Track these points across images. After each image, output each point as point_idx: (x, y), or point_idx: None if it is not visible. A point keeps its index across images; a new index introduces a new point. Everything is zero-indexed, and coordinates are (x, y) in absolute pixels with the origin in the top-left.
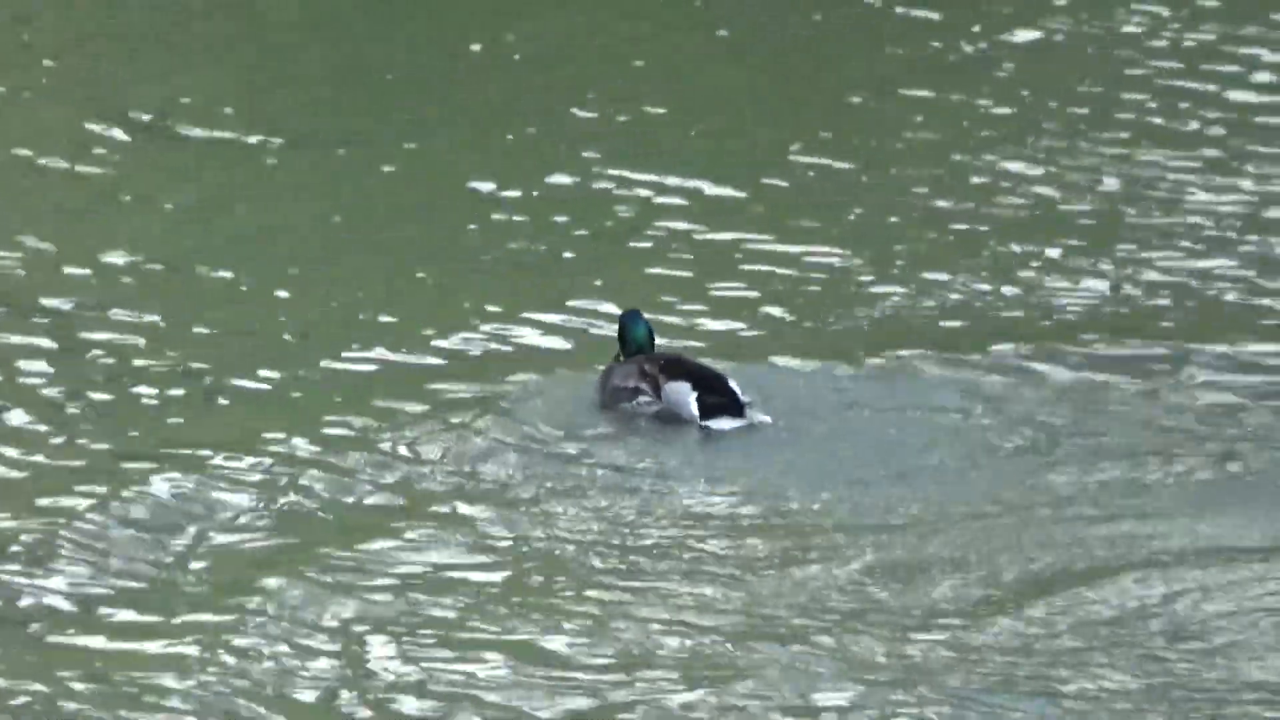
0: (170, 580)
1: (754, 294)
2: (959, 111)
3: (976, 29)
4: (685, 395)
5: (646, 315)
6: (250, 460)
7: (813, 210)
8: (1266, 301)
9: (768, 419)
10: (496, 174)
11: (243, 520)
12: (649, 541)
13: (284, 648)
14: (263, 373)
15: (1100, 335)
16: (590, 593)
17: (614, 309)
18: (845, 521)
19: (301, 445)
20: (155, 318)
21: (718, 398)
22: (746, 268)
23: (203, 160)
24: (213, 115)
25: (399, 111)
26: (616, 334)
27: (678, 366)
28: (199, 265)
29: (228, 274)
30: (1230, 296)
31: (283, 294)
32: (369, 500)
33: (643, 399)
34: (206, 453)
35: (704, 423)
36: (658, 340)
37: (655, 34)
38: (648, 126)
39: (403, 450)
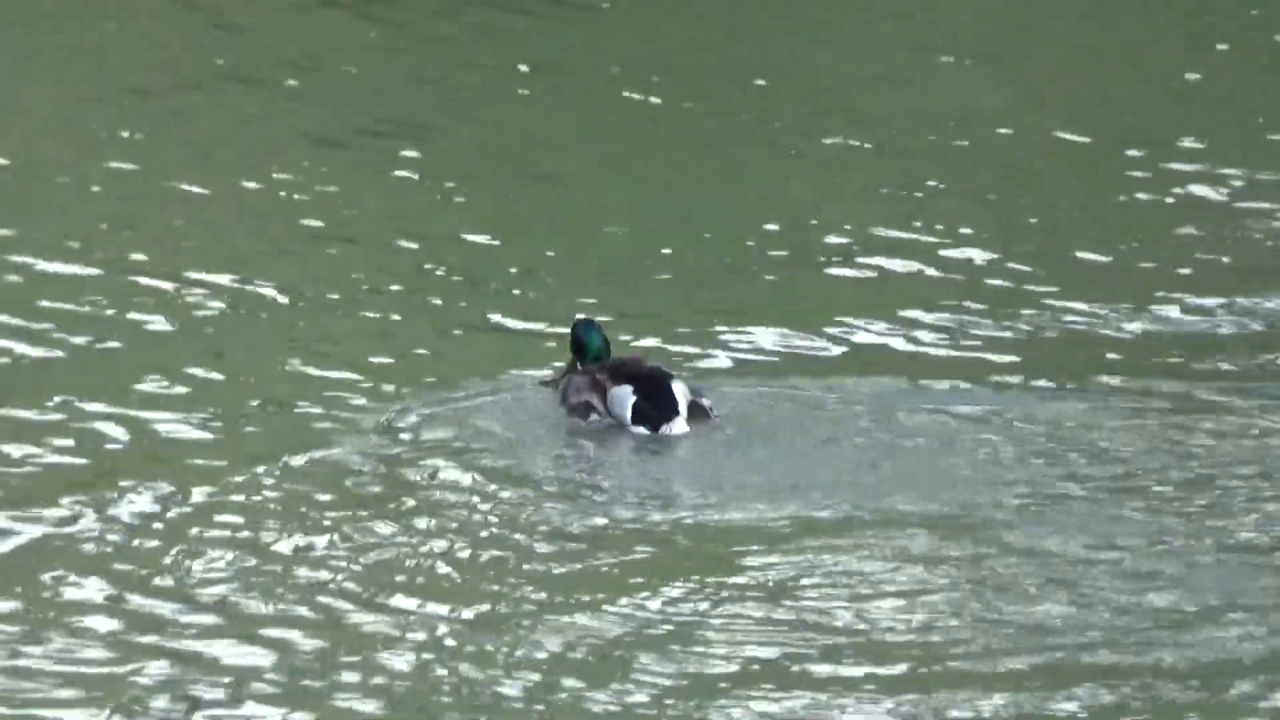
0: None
1: (742, 310)
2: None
3: None
4: (625, 400)
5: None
6: (200, 469)
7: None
8: None
9: (685, 429)
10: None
11: (155, 537)
12: (584, 546)
13: (226, 649)
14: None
15: (1125, 365)
16: (531, 596)
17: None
18: (781, 529)
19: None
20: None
21: (653, 403)
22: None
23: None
24: None
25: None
26: (570, 344)
27: (624, 370)
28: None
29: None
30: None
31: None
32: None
33: (594, 418)
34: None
35: (634, 428)
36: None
37: None
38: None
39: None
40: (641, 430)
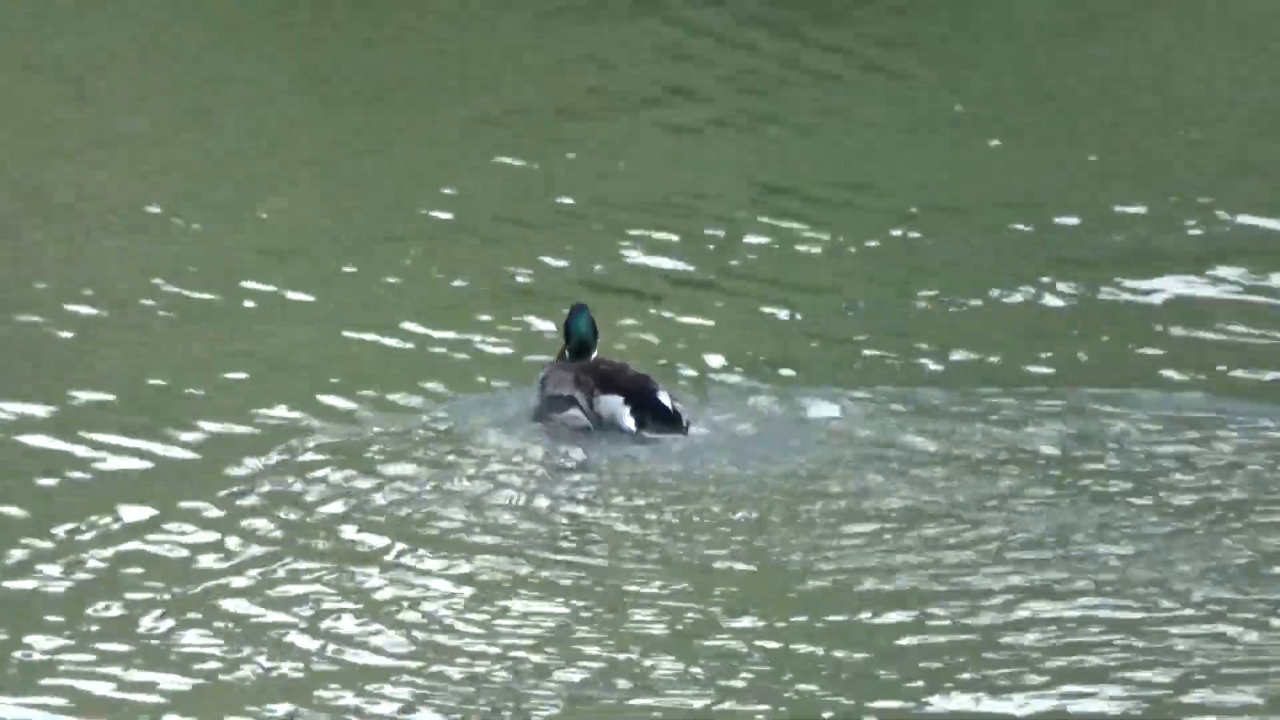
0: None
1: (719, 313)
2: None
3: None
4: (619, 409)
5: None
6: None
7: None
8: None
9: (694, 430)
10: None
11: (161, 543)
12: (576, 545)
13: (216, 655)
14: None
15: (1092, 367)
16: (521, 598)
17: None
18: (769, 529)
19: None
20: None
21: (649, 410)
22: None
23: None
24: None
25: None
26: (562, 328)
27: (612, 379)
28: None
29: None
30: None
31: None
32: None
33: (573, 412)
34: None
35: (638, 431)
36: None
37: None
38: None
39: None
40: (634, 430)
